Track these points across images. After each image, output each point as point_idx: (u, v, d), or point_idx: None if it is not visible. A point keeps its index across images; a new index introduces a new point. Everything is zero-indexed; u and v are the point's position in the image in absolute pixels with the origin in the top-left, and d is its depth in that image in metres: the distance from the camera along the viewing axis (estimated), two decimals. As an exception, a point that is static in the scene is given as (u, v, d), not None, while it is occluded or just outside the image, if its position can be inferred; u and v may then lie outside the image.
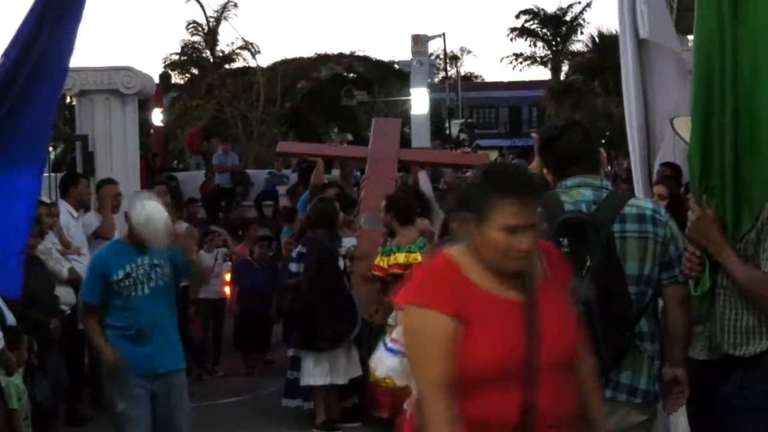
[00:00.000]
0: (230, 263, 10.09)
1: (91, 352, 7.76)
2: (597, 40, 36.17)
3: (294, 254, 7.79)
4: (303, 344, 7.20)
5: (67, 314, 6.87)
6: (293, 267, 7.66)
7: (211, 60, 33.42)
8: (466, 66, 50.04)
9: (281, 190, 15.95)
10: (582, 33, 42.16)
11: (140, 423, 5.13)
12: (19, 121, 4.34)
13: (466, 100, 36.95)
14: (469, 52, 59.34)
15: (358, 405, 7.30)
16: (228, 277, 9.94)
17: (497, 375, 2.49)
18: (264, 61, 30.46)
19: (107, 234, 7.46)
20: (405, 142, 13.65)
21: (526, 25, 43.89)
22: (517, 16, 44.04)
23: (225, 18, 34.19)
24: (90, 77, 9.41)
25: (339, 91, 27.72)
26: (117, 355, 5.12)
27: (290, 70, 27.75)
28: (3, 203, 4.34)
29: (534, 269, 2.61)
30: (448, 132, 27.62)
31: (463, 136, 26.12)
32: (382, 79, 28.62)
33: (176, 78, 32.87)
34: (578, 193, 3.29)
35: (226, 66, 31.72)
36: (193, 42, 34.74)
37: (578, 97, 33.28)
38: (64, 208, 7.53)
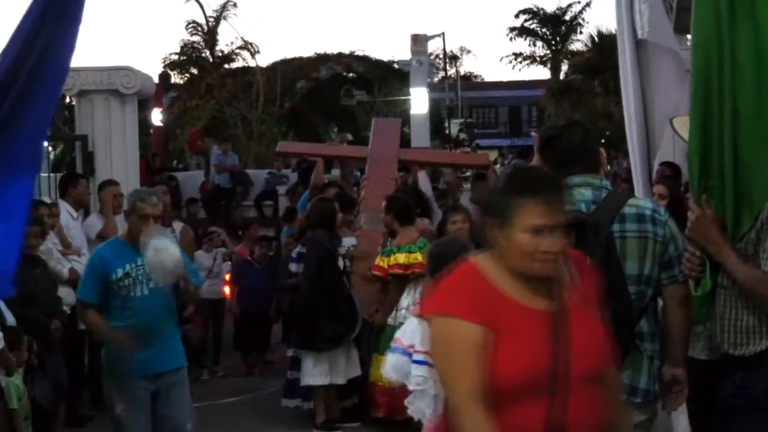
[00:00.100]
0: (230, 263, 10.10)
1: (90, 352, 7.77)
2: (596, 39, 36.18)
3: (294, 254, 7.79)
4: (303, 344, 7.20)
5: (67, 314, 6.86)
6: (293, 267, 7.66)
7: (211, 60, 33.40)
8: (466, 66, 50.11)
9: (281, 190, 15.94)
10: (581, 32, 42.23)
11: (140, 424, 5.09)
12: (20, 121, 4.32)
13: (466, 99, 36.97)
14: (469, 51, 59.40)
15: (358, 405, 7.30)
16: (228, 276, 9.95)
17: (524, 387, 2.41)
18: (263, 60, 30.44)
19: (111, 236, 7.44)
20: (404, 141, 13.64)
21: (526, 24, 43.93)
22: (517, 16, 44.12)
23: (224, 18, 34.18)
24: (89, 77, 9.41)
25: (338, 91, 27.71)
26: (129, 336, 4.97)
27: (290, 69, 27.74)
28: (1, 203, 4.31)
29: (562, 276, 2.54)
30: (447, 132, 27.63)
31: (462, 135, 26.11)
32: (381, 79, 28.62)
33: (176, 78, 32.85)
34: (578, 193, 3.29)
35: (226, 66, 31.70)
36: (193, 42, 34.73)
37: (578, 96, 33.29)
38: (64, 208, 7.53)
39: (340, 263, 7.30)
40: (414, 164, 10.47)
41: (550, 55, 43.99)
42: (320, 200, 7.68)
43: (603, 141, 25.64)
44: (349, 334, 7.08)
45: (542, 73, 44.72)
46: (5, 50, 4.29)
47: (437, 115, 28.11)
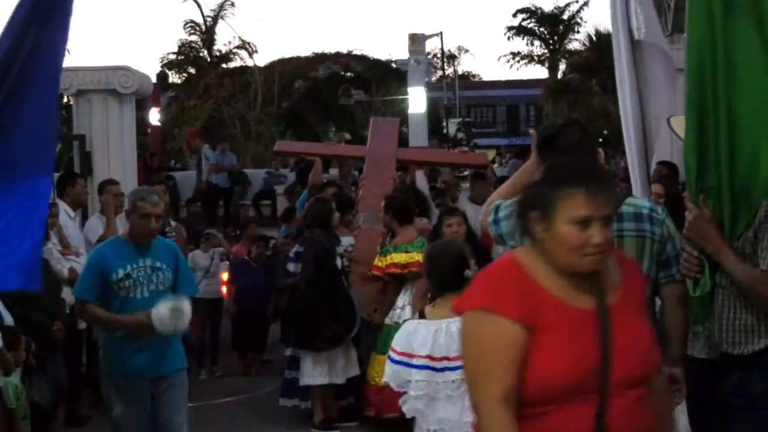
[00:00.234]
0: (227, 262, 10.10)
1: (89, 352, 7.77)
2: (594, 38, 36.20)
3: (291, 254, 7.80)
4: (301, 344, 7.20)
5: (67, 315, 6.86)
6: (291, 267, 7.67)
7: (209, 59, 33.43)
8: (464, 65, 50.00)
9: (279, 189, 15.95)
10: (579, 32, 42.22)
11: (139, 426, 5.05)
12: (18, 121, 4.28)
13: (464, 99, 36.91)
14: (467, 51, 59.21)
15: (354, 404, 7.30)
16: (225, 276, 9.95)
17: (566, 391, 2.28)
18: (261, 60, 30.53)
19: None
20: (402, 141, 13.63)
21: (524, 23, 43.90)
22: (515, 15, 44.05)
23: (222, 17, 34.23)
24: (87, 77, 9.41)
25: (336, 91, 27.69)
26: (144, 318, 4.87)
27: (287, 69, 27.73)
28: (11, 202, 4.27)
29: (608, 274, 2.42)
30: (445, 131, 27.59)
31: (460, 135, 26.06)
32: (379, 78, 28.59)
33: (173, 77, 32.89)
34: (576, 192, 3.30)
35: (224, 65, 31.73)
36: (191, 41, 34.76)
37: (575, 96, 33.30)
38: (62, 208, 7.53)
39: (339, 263, 7.31)
40: (412, 164, 10.47)
41: (547, 55, 43.99)
42: (317, 200, 7.68)
43: (601, 140, 25.65)
44: (348, 333, 7.08)
45: (540, 72, 44.77)
46: None
47: (435, 115, 28.09)
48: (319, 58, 29.27)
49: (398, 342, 4.70)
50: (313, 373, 7.06)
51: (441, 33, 25.67)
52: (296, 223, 8.97)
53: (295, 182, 14.75)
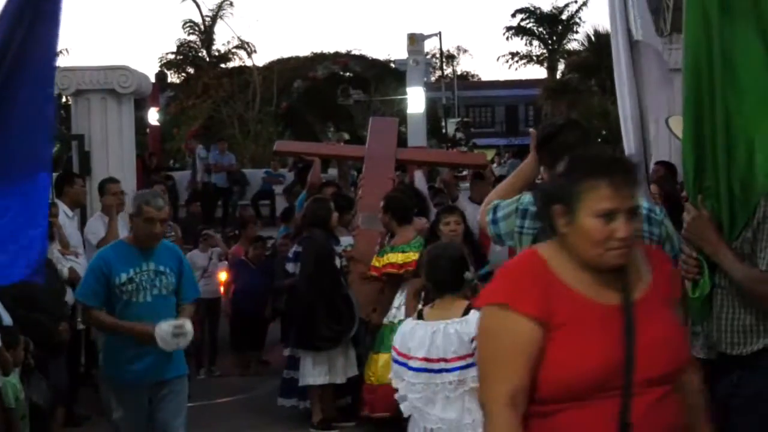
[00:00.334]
0: (225, 262, 10.09)
1: (87, 352, 7.77)
2: (593, 38, 36.17)
3: (290, 254, 7.79)
4: (301, 344, 7.20)
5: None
6: (290, 267, 7.67)
7: (207, 59, 33.43)
8: (463, 65, 50.10)
9: (278, 189, 15.96)
10: (578, 32, 42.26)
11: (138, 430, 5.03)
12: (9, 120, 4.24)
13: (462, 99, 36.92)
14: (465, 51, 59.40)
15: (352, 404, 7.31)
16: (223, 276, 9.95)
17: (585, 388, 2.22)
18: (260, 60, 30.55)
19: None
20: (401, 141, 13.63)
21: (522, 23, 43.94)
22: (513, 15, 44.09)
23: (221, 17, 34.25)
24: (86, 77, 9.42)
25: (335, 90, 27.69)
26: (149, 328, 4.84)
27: (286, 69, 27.74)
28: (12, 200, 4.25)
29: (635, 269, 2.36)
30: (444, 131, 27.61)
31: (459, 135, 26.10)
32: (378, 78, 28.59)
33: (172, 77, 32.89)
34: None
35: (222, 65, 31.72)
36: (189, 41, 34.78)
37: (574, 95, 33.29)
38: (60, 208, 7.52)
39: (338, 263, 7.31)
40: (411, 163, 10.47)
41: (546, 55, 44.02)
42: (315, 200, 7.68)
43: (600, 140, 25.65)
44: (347, 333, 7.08)
45: (539, 72, 44.79)
46: None
47: (434, 115, 28.09)
48: (318, 58, 29.27)
49: (397, 341, 4.70)
50: (313, 372, 7.06)
51: (440, 33, 25.74)
52: (295, 222, 8.97)
53: (294, 182, 14.75)
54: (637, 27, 5.88)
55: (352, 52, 30.21)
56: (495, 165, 19.32)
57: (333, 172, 12.53)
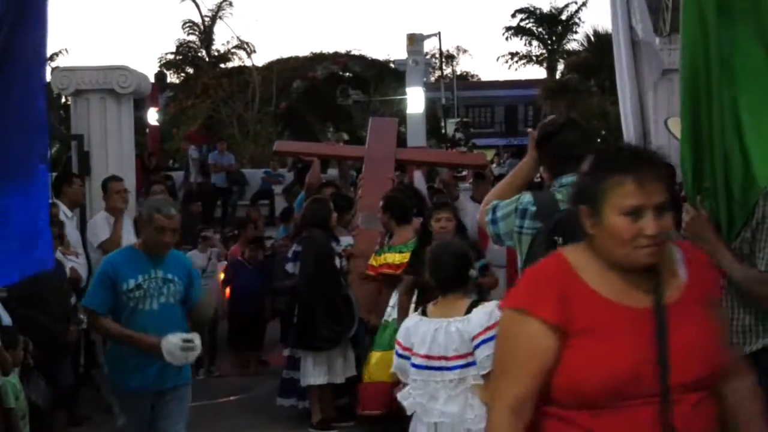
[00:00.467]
0: (225, 263, 10.10)
1: (87, 352, 7.77)
2: (592, 39, 36.22)
3: (289, 254, 7.80)
4: (300, 344, 7.20)
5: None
6: (289, 267, 7.67)
7: (207, 59, 33.45)
8: (462, 65, 50.12)
9: (277, 189, 15.96)
10: (577, 32, 42.29)
11: None
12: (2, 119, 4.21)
13: (462, 99, 36.92)
14: (465, 51, 59.38)
15: (350, 404, 7.31)
16: (222, 276, 9.96)
17: (612, 396, 2.15)
18: (259, 60, 30.58)
19: (113, 250, 7.25)
20: (401, 141, 13.63)
21: (522, 24, 43.95)
22: (513, 15, 44.12)
23: (220, 17, 34.28)
24: (85, 77, 9.42)
25: (334, 91, 27.67)
26: (156, 341, 4.75)
27: (285, 69, 27.74)
28: (13, 199, 4.23)
29: (668, 268, 2.25)
30: (443, 131, 27.60)
31: (458, 135, 26.06)
32: (377, 79, 28.58)
33: (171, 77, 32.88)
34: (573, 192, 3.30)
35: (222, 65, 31.73)
36: (189, 41, 34.81)
37: (573, 96, 33.31)
38: (59, 208, 7.52)
39: (338, 263, 7.31)
40: (411, 164, 10.47)
41: (546, 55, 44.03)
42: (314, 201, 7.68)
43: (599, 140, 25.66)
44: (347, 333, 7.08)
45: (538, 72, 44.81)
46: None
47: (433, 115, 28.07)
48: (317, 58, 29.27)
49: (401, 335, 4.70)
50: (314, 373, 7.06)
51: (439, 33, 25.74)
52: (295, 222, 8.97)
53: (293, 182, 14.77)
54: (639, 27, 5.90)
55: (352, 53, 30.21)
56: (494, 165, 19.32)
57: (332, 172, 12.52)
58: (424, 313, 4.66)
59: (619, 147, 2.40)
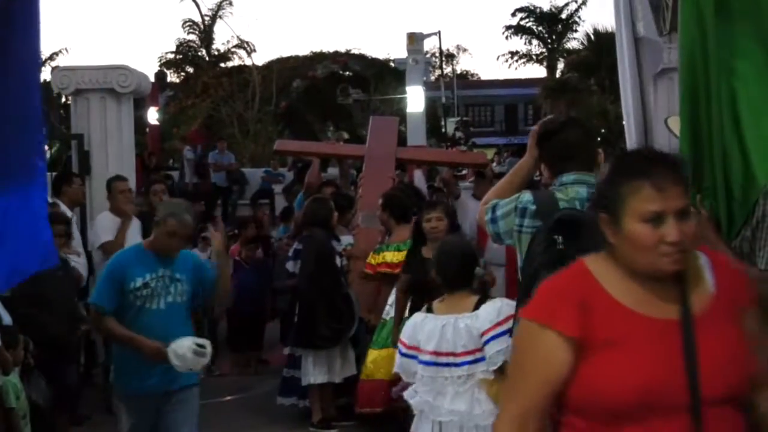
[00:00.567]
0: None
1: (87, 352, 7.77)
2: (592, 37, 36.20)
3: (290, 252, 7.80)
4: (300, 342, 7.20)
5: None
6: (290, 266, 7.67)
7: (207, 59, 33.45)
8: (462, 64, 50.03)
9: (277, 188, 15.96)
10: (577, 31, 42.28)
11: None
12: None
13: (462, 98, 36.90)
14: (465, 50, 59.29)
15: (350, 403, 7.31)
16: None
17: (640, 409, 2.06)
18: (259, 59, 30.58)
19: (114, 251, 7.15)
20: (401, 140, 13.64)
21: (522, 23, 43.93)
22: (513, 14, 44.09)
23: (220, 16, 34.28)
24: (85, 76, 9.42)
25: (334, 90, 27.69)
26: (159, 345, 4.68)
27: (285, 68, 27.77)
28: (13, 198, 4.22)
29: (695, 277, 2.16)
30: (443, 130, 27.60)
31: (458, 134, 26.06)
32: (377, 78, 28.62)
33: (172, 77, 32.89)
34: (573, 191, 3.31)
35: (222, 65, 31.75)
36: (189, 40, 34.82)
37: (573, 94, 33.31)
38: (60, 207, 7.51)
39: (338, 262, 7.31)
40: (411, 163, 10.47)
41: (546, 54, 44.02)
42: (315, 200, 7.68)
43: (599, 139, 25.65)
44: (347, 332, 7.08)
45: (538, 71, 44.81)
46: None
47: (433, 114, 28.10)
48: (318, 57, 29.30)
49: (405, 333, 4.70)
50: (314, 371, 7.07)
51: (439, 32, 25.67)
52: (295, 221, 8.97)
53: (293, 181, 14.76)
54: (641, 24, 5.89)
55: (352, 52, 30.24)
56: (495, 164, 19.32)
57: (333, 171, 12.52)
58: (429, 310, 4.67)
59: (637, 151, 2.31)
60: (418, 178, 10.42)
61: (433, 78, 37.54)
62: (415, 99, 17.95)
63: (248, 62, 29.58)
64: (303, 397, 7.35)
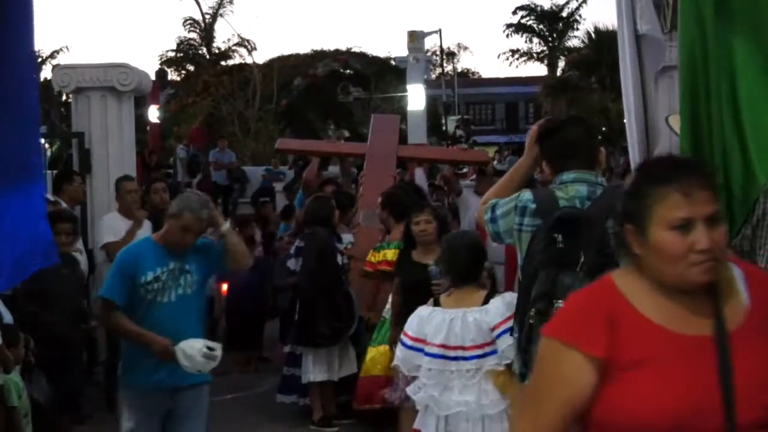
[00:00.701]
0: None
1: (89, 351, 7.77)
2: (593, 35, 36.18)
3: (291, 250, 7.80)
4: (300, 340, 7.20)
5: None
6: (291, 263, 7.67)
7: (207, 57, 33.46)
8: (463, 62, 49.89)
9: (278, 187, 15.96)
10: (578, 29, 42.25)
11: None
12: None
13: (463, 96, 36.84)
14: (466, 48, 59.23)
15: (350, 402, 7.31)
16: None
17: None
18: (260, 57, 30.60)
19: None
20: (402, 138, 13.64)
21: (523, 21, 43.90)
22: (514, 12, 44.04)
23: (221, 15, 34.30)
24: (86, 74, 9.41)
25: (335, 88, 27.68)
26: (168, 342, 4.60)
27: (286, 66, 27.76)
28: (13, 197, 4.22)
29: (729, 290, 2.04)
30: (444, 128, 27.58)
31: (459, 132, 26.03)
32: (378, 76, 28.59)
33: (172, 75, 32.90)
34: (574, 189, 3.31)
35: (222, 63, 31.75)
36: (189, 39, 34.82)
37: (574, 93, 33.30)
38: (60, 205, 7.51)
39: (339, 260, 7.31)
40: (412, 161, 10.47)
41: (546, 52, 44.00)
42: (317, 199, 7.68)
43: (600, 137, 25.64)
44: (347, 330, 7.09)
45: (539, 69, 44.81)
46: None
47: (434, 112, 28.08)
48: (318, 56, 29.29)
49: (410, 327, 4.69)
50: (314, 369, 7.07)
51: (440, 30, 25.58)
52: (296, 220, 8.97)
53: (294, 179, 14.79)
54: (642, 21, 5.89)
55: (353, 50, 30.22)
56: (495, 162, 19.32)
57: (334, 169, 12.53)
58: (437, 304, 4.67)
59: (662, 158, 2.19)
60: (419, 176, 10.42)
61: (433, 76, 37.53)
62: (415, 97, 17.94)
63: (249, 60, 29.62)
64: (303, 395, 7.36)
